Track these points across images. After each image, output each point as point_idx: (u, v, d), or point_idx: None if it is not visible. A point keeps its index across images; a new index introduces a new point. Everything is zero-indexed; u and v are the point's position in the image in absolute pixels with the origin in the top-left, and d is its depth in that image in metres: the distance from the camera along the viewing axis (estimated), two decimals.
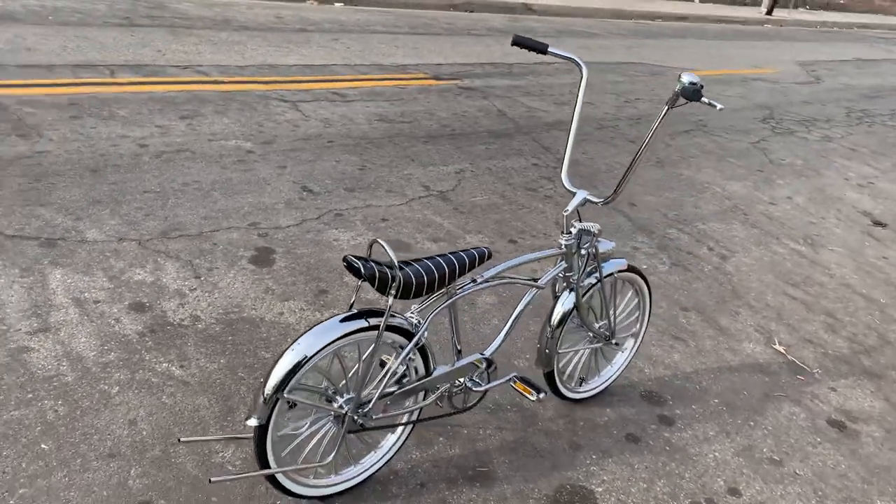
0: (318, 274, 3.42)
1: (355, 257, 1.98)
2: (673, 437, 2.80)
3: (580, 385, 2.90)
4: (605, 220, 4.62)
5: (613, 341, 2.81)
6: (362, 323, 2.07)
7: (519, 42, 2.53)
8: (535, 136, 6.04)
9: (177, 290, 3.13)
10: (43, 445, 2.24)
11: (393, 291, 2.01)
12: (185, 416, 2.46)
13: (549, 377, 2.71)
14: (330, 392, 2.14)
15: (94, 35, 6.85)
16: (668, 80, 9.24)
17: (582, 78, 2.48)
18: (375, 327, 2.07)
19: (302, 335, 2.01)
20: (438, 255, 2.15)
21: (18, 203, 3.58)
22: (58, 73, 5.55)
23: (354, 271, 1.94)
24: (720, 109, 2.33)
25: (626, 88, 8.45)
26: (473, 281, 2.32)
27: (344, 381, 2.14)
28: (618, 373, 2.99)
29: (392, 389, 2.20)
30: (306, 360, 1.98)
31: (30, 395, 2.42)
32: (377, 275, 1.96)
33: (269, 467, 2.06)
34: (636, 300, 2.93)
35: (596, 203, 2.49)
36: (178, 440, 2.20)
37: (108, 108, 5.01)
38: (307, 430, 2.19)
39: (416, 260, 2.12)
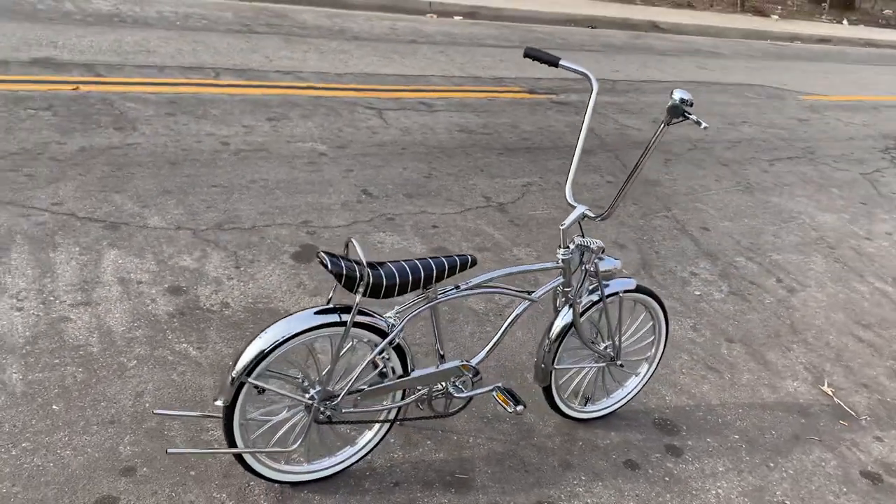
0: None
1: (327, 254, 2.06)
2: (676, 468, 2.69)
3: (585, 404, 2.84)
4: (669, 242, 4.47)
5: (618, 362, 2.74)
6: (332, 318, 2.14)
7: (530, 54, 2.54)
8: (618, 154, 5.93)
9: (215, 277, 3.32)
10: (54, 406, 2.46)
11: (361, 289, 2.06)
12: (189, 394, 2.62)
13: (547, 393, 2.68)
14: (303, 382, 2.23)
15: (211, 40, 7.35)
16: (785, 105, 8.79)
17: (592, 91, 2.45)
18: (345, 323, 2.13)
19: (272, 323, 2.11)
20: (417, 259, 2.19)
21: (97, 189, 3.91)
22: (167, 74, 6.01)
23: (325, 267, 2.02)
24: (704, 128, 2.24)
25: (734, 111, 8.11)
26: (456, 287, 2.34)
27: (320, 374, 2.22)
28: (629, 397, 2.91)
29: (362, 386, 2.26)
30: (272, 347, 2.07)
31: (56, 361, 2.66)
32: (344, 272, 2.03)
33: (236, 447, 2.16)
34: (650, 323, 2.84)
35: (593, 218, 2.45)
36: (153, 412, 2.34)
37: (203, 107, 5.37)
38: (277, 416, 2.28)
39: (392, 261, 2.17)
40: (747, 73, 10.59)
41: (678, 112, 2.20)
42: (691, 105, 2.21)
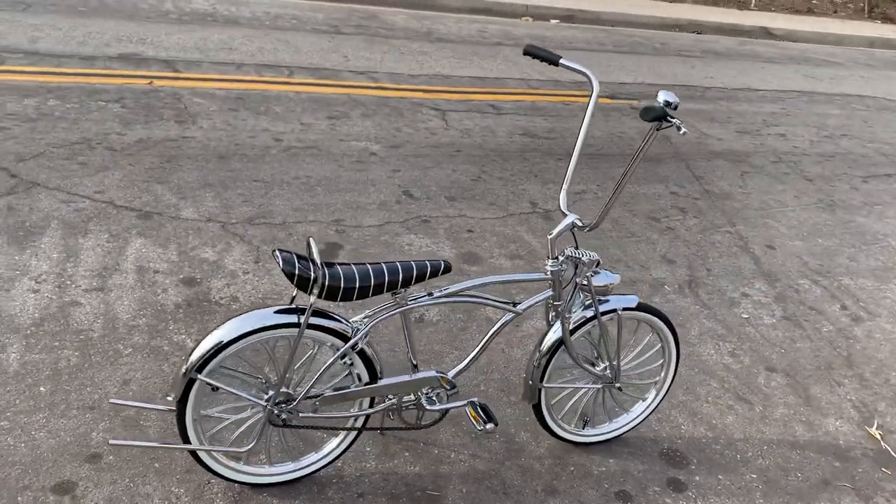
0: None
1: (282, 251, 2.00)
2: None
3: (583, 427, 2.65)
4: (725, 260, 4.17)
5: (617, 385, 2.54)
6: (290, 318, 2.08)
7: (531, 52, 2.40)
8: (690, 164, 5.60)
9: (232, 271, 3.34)
10: (42, 388, 2.52)
11: (315, 291, 1.99)
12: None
13: (537, 412, 2.52)
14: (265, 383, 2.17)
15: (295, 40, 7.49)
16: (895, 118, 8.10)
17: (592, 93, 2.28)
18: (299, 325, 2.06)
19: (228, 320, 2.07)
20: (385, 262, 2.10)
21: (141, 179, 4.03)
22: (243, 71, 6.16)
23: (278, 265, 1.96)
24: (683, 133, 2.03)
25: (835, 122, 7.53)
26: (429, 294, 2.22)
27: (282, 375, 2.16)
28: (634, 423, 2.70)
29: (322, 391, 2.18)
30: (223, 345, 2.03)
31: (56, 343, 2.73)
32: (296, 272, 1.96)
33: (189, 443, 2.14)
34: (658, 346, 2.62)
35: (582, 229, 2.27)
36: (109, 401, 2.34)
37: (267, 104, 5.46)
38: (236, 415, 2.24)
39: (357, 263, 2.08)
40: (861, 83, 9.84)
41: (658, 115, 2.01)
42: (675, 108, 2.01)
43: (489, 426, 2.26)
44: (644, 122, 5.93)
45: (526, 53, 2.40)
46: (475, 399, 2.36)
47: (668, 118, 2.03)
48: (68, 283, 3.07)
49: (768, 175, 5.65)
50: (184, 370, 2.03)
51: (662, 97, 2.03)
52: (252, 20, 8.14)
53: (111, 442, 1.97)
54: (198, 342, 2.04)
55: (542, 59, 2.38)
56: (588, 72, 2.30)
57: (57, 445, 2.30)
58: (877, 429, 3.00)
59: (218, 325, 2.06)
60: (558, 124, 6.07)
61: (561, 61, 2.33)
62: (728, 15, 14.41)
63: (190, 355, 2.03)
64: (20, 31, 6.25)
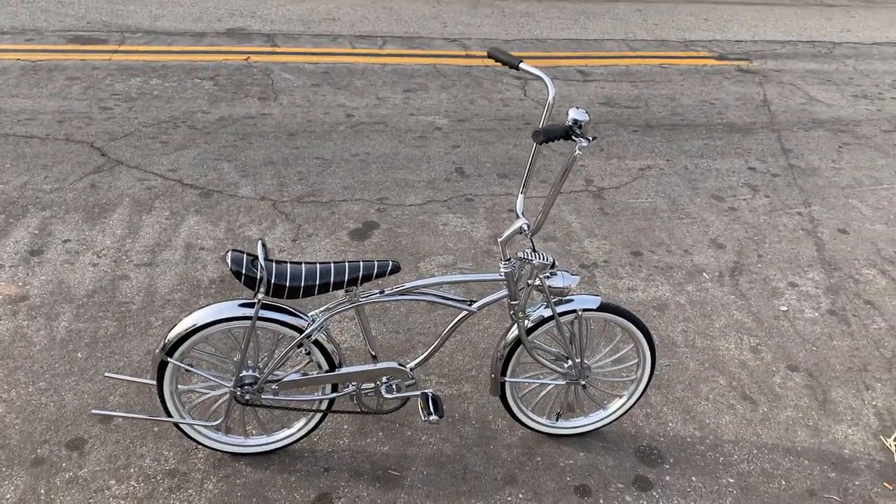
0: (398, 255, 3.63)
1: (234, 251, 2.20)
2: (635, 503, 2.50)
3: (556, 420, 2.71)
4: (783, 245, 3.95)
5: (582, 382, 2.57)
6: (246, 312, 2.30)
7: (493, 56, 2.43)
8: (782, 135, 5.26)
9: (268, 249, 3.62)
10: (79, 354, 2.92)
11: (262, 289, 2.19)
12: None
13: (505, 403, 2.61)
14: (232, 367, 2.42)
15: (399, 6, 7.65)
16: None
17: (548, 96, 2.29)
18: (261, 318, 2.28)
19: (197, 309, 2.32)
20: (334, 262, 2.26)
21: (212, 157, 4.40)
22: (338, 43, 6.42)
23: (227, 265, 2.18)
24: (581, 146, 1.99)
25: None
26: (381, 292, 2.36)
27: (241, 361, 2.39)
28: (610, 419, 2.71)
29: (281, 376, 2.40)
30: (190, 332, 2.28)
31: (101, 314, 3.13)
32: (242, 271, 2.17)
33: (170, 416, 2.43)
34: (632, 344, 2.61)
35: (523, 233, 2.31)
36: (104, 374, 2.66)
37: (349, 77, 5.69)
38: (210, 392, 2.51)
39: (308, 262, 2.26)
40: None
41: (556, 135, 2.01)
42: (581, 127, 2.00)
43: (433, 417, 2.39)
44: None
45: (489, 57, 2.43)
46: (429, 391, 2.49)
47: (574, 137, 2.02)
48: (124, 258, 3.48)
49: (872, 147, 5.20)
50: (156, 353, 2.30)
51: (572, 115, 2.02)
52: None
53: (92, 411, 2.30)
54: (172, 327, 2.31)
55: (504, 64, 2.40)
56: (545, 77, 2.30)
57: (79, 406, 2.69)
58: (894, 440, 2.82)
59: (190, 312, 2.31)
60: (646, 91, 5.87)
61: (521, 65, 2.35)
62: None
63: (163, 340, 2.31)
64: (146, 9, 6.84)
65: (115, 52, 5.75)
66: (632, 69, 6.34)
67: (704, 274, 3.68)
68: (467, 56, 6.35)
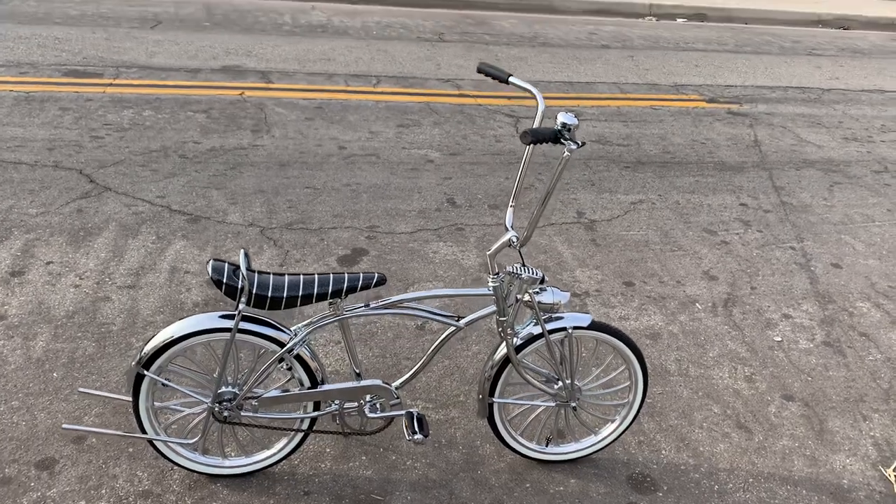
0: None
1: (216, 261, 2.15)
2: None
3: (546, 445, 2.62)
4: (776, 278, 3.91)
5: (572, 405, 2.50)
6: (225, 323, 2.23)
7: (483, 70, 2.43)
8: (773, 174, 5.27)
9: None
10: (55, 374, 2.83)
11: (243, 299, 2.13)
12: None
13: (493, 426, 2.53)
14: (209, 381, 2.34)
15: (395, 49, 7.74)
16: None
17: (538, 109, 2.28)
18: (241, 330, 2.21)
19: (176, 321, 2.25)
20: (318, 273, 2.21)
21: (202, 185, 4.36)
22: (332, 81, 6.46)
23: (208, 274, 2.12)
24: (570, 149, 1.96)
25: None
26: (366, 305, 2.30)
27: (219, 376, 2.31)
28: (602, 444, 2.63)
29: (258, 392, 2.32)
30: (166, 345, 2.21)
31: (79, 335, 3.05)
32: (224, 280, 2.11)
33: (145, 433, 2.34)
34: (624, 366, 2.55)
35: (512, 246, 2.26)
36: (78, 390, 2.57)
37: (343, 112, 5.71)
38: (188, 409, 2.42)
39: (292, 273, 2.20)
40: None
41: (545, 137, 1.99)
42: (570, 131, 1.98)
43: (418, 437, 2.30)
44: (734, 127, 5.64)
45: (479, 71, 2.43)
46: (414, 410, 2.41)
47: (563, 140, 2.00)
48: (107, 280, 3.41)
49: (864, 187, 5.21)
50: (132, 365, 2.23)
51: (561, 119, 2.00)
52: (360, 31, 8.48)
53: (63, 426, 2.21)
54: (147, 340, 2.23)
55: (493, 77, 2.40)
56: (534, 90, 2.29)
57: (52, 426, 2.59)
58: (894, 470, 2.74)
59: (168, 325, 2.24)
60: (637, 130, 5.90)
61: (510, 79, 2.34)
62: (887, 7, 13.27)
63: (140, 353, 2.23)
64: (142, 46, 6.90)
65: (110, 84, 5.77)
66: (623, 110, 6.39)
67: (697, 304, 3.63)
68: (460, 95, 6.40)
